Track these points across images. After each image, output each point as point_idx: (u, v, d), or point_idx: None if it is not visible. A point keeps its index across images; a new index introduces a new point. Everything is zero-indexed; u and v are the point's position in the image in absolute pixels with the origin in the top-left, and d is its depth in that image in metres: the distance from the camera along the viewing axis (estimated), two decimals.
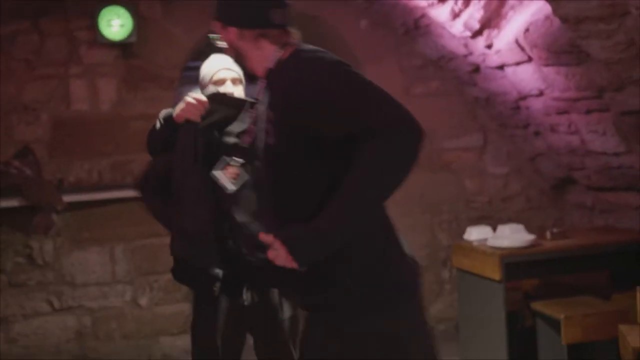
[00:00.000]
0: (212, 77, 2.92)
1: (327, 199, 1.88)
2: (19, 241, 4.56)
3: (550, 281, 4.03)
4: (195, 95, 2.75)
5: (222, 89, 2.87)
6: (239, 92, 2.92)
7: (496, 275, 3.69)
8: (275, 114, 1.98)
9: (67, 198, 4.47)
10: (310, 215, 1.89)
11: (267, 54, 2.08)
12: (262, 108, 2.05)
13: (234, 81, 2.92)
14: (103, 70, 4.71)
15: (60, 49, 4.63)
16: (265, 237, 1.96)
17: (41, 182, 4.48)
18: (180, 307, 4.84)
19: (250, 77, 2.23)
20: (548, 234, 4.00)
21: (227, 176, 2.60)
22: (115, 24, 4.55)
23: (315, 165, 1.97)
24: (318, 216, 1.88)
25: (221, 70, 2.92)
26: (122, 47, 4.68)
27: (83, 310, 4.70)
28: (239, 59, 2.16)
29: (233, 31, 2.10)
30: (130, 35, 4.58)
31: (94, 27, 4.57)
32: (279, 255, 1.91)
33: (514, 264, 3.73)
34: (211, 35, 2.28)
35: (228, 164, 2.62)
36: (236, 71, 2.91)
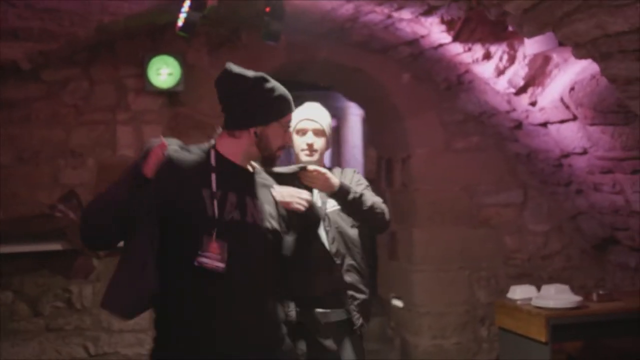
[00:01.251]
0: (295, 126, 3.04)
1: None
2: (59, 285, 4.60)
3: (595, 344, 3.93)
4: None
5: (303, 140, 3.04)
6: (318, 143, 3.05)
7: (542, 336, 3.62)
8: None
9: None
10: None
11: None
12: None
13: (316, 132, 3.05)
14: (149, 117, 4.79)
15: (108, 95, 4.74)
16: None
17: None
18: None
19: None
20: (594, 296, 3.93)
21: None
22: (164, 73, 4.65)
23: None
24: None
25: (303, 121, 3.06)
26: (168, 94, 4.78)
27: (118, 357, 4.69)
28: None
29: None
30: (177, 84, 4.67)
31: (142, 75, 4.67)
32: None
33: (560, 325, 3.65)
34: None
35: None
36: (319, 122, 3.05)
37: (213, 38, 4.89)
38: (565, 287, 3.99)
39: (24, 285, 4.54)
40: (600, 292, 3.98)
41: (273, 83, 2.40)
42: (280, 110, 2.39)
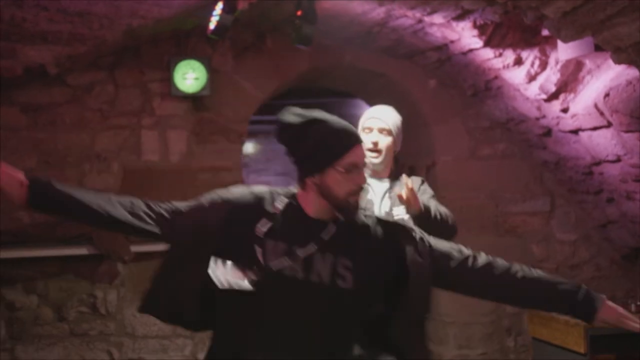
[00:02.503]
0: (362, 125, 3.04)
1: None
2: (84, 290, 4.57)
3: (632, 356, 3.85)
4: None
5: (368, 138, 2.99)
6: (384, 141, 3.01)
7: (580, 347, 3.55)
8: None
9: (134, 248, 4.48)
10: None
11: None
12: None
13: (381, 130, 3.03)
14: (174, 122, 4.76)
15: (133, 100, 4.72)
16: None
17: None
18: None
19: None
20: (633, 307, 3.85)
21: None
22: (190, 77, 4.62)
23: None
24: None
25: (370, 119, 3.05)
26: (193, 99, 4.75)
27: None
28: None
29: None
30: (203, 88, 4.65)
31: (167, 79, 4.65)
32: None
33: (598, 336, 3.58)
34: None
35: None
36: (385, 121, 3.03)
37: (238, 43, 4.86)
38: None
39: (48, 289, 4.52)
40: (639, 303, 3.90)
41: (321, 123, 2.12)
42: (331, 153, 2.09)
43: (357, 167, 2.11)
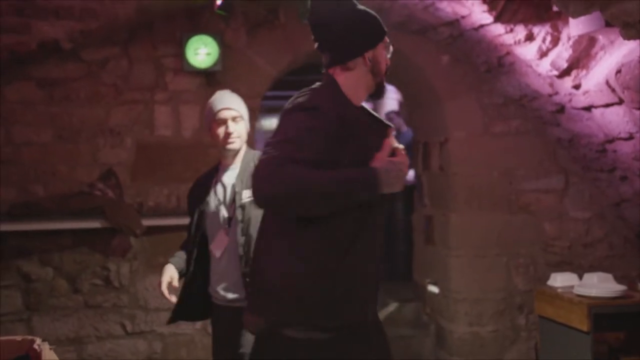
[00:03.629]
0: (215, 117, 3.07)
1: None
2: (97, 262, 4.65)
3: (637, 335, 3.83)
4: None
5: (224, 129, 3.04)
6: (241, 128, 3.07)
7: (584, 325, 3.54)
8: None
9: (146, 222, 4.53)
10: None
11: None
12: None
13: (234, 119, 3.07)
14: (187, 97, 4.80)
15: (147, 75, 4.75)
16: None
17: (123, 205, 4.57)
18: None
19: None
20: (639, 285, 3.82)
21: None
22: (202, 53, 4.65)
23: None
24: None
25: (221, 111, 3.07)
26: (206, 75, 4.77)
27: (154, 336, 4.73)
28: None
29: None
30: (215, 64, 4.67)
31: (180, 54, 4.68)
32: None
33: (603, 314, 3.57)
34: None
35: None
36: (235, 109, 3.08)
37: (251, 18, 4.87)
38: (609, 276, 3.89)
39: (63, 262, 4.60)
40: None
41: (362, 7, 2.30)
42: (382, 29, 2.28)
43: (390, 45, 2.30)
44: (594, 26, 3.72)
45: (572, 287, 3.86)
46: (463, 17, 4.22)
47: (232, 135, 3.04)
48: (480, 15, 4.04)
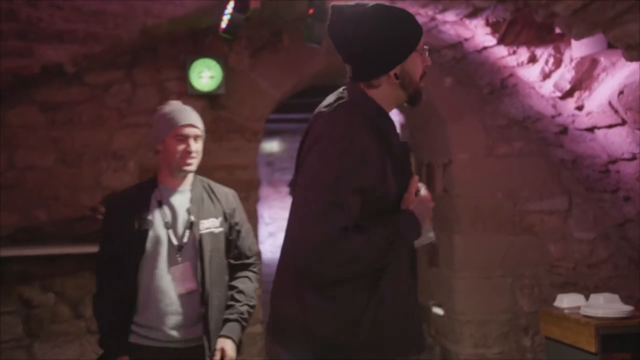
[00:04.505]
0: (175, 133, 2.77)
1: None
2: None
3: None
4: None
5: (183, 147, 2.77)
6: (199, 147, 2.82)
7: (591, 346, 3.51)
8: None
9: None
10: None
11: None
12: None
13: (195, 137, 2.81)
14: None
15: (150, 98, 4.76)
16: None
17: None
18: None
19: None
20: None
21: None
22: (206, 76, 4.66)
23: None
24: None
25: (186, 128, 2.78)
26: (209, 98, 4.78)
27: None
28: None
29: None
30: (219, 87, 4.68)
31: (184, 78, 4.70)
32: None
33: (610, 335, 3.55)
34: None
35: None
36: (199, 127, 2.83)
37: (254, 41, 4.89)
38: (615, 297, 3.87)
39: (65, 287, 4.57)
40: None
41: (394, 8, 2.05)
42: (414, 36, 2.05)
43: (425, 48, 2.10)
44: (596, 48, 3.73)
45: (578, 308, 3.84)
46: (466, 39, 4.24)
47: (192, 155, 2.78)
48: (484, 37, 4.06)
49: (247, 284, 2.92)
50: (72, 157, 4.65)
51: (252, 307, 2.90)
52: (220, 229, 2.84)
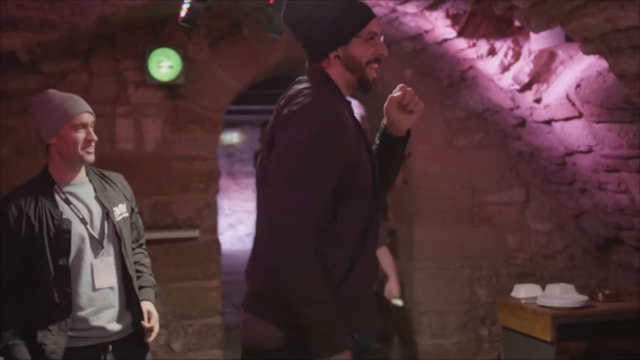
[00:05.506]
0: (73, 122, 2.62)
1: None
2: None
3: (598, 345, 3.89)
4: None
5: (83, 135, 2.63)
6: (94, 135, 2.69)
7: (547, 336, 3.57)
8: None
9: None
10: None
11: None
12: None
13: (92, 124, 2.70)
14: (149, 110, 4.74)
15: (108, 88, 4.69)
16: None
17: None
18: (214, 353, 4.77)
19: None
20: (600, 296, 3.89)
21: None
22: (165, 66, 4.60)
23: None
24: None
25: (83, 114, 2.66)
26: (168, 88, 4.73)
27: None
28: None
29: None
30: (178, 77, 4.63)
31: (142, 67, 4.63)
32: None
33: (566, 325, 3.61)
34: None
35: None
36: (93, 113, 2.72)
37: (214, 31, 4.84)
38: (571, 287, 3.95)
39: None
40: (606, 292, 3.94)
41: None
42: (357, 20, 2.13)
43: (377, 36, 2.17)
44: (554, 41, 3.78)
45: (535, 298, 3.91)
46: (427, 31, 4.26)
47: (93, 143, 2.66)
48: (444, 29, 4.08)
49: (144, 259, 2.94)
50: (27, 146, 4.54)
51: (153, 278, 2.93)
52: (127, 214, 2.80)
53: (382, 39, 2.19)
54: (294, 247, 1.93)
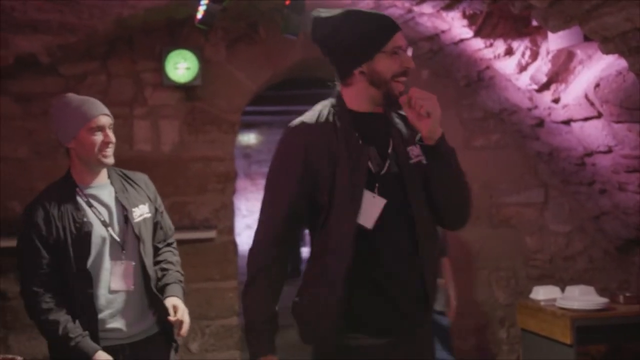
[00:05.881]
0: (92, 124, 2.62)
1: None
2: None
3: (620, 348, 3.84)
4: None
5: (101, 137, 2.63)
6: (113, 137, 2.69)
7: (567, 338, 3.54)
8: None
9: None
10: None
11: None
12: None
13: (110, 126, 2.68)
14: (166, 112, 4.77)
15: (126, 90, 4.72)
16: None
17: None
18: (231, 354, 4.78)
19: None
20: (621, 298, 3.84)
21: None
22: (182, 67, 4.62)
23: None
24: None
25: (101, 117, 2.65)
26: (186, 89, 4.75)
27: None
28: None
29: None
30: (195, 78, 4.64)
31: (160, 69, 4.65)
32: None
33: (585, 327, 3.57)
34: None
35: None
36: (111, 115, 2.71)
37: (231, 33, 4.86)
38: (590, 289, 3.91)
39: None
40: (627, 294, 3.89)
41: (359, 13, 2.19)
42: (380, 37, 2.14)
43: (402, 49, 2.16)
44: (572, 41, 3.75)
45: (554, 300, 3.87)
46: (443, 31, 4.24)
47: (110, 146, 2.65)
48: (460, 29, 4.06)
49: (172, 257, 2.90)
50: (47, 148, 4.58)
51: (182, 275, 2.90)
52: (149, 215, 2.78)
53: (409, 52, 2.18)
54: (250, 263, 2.25)
